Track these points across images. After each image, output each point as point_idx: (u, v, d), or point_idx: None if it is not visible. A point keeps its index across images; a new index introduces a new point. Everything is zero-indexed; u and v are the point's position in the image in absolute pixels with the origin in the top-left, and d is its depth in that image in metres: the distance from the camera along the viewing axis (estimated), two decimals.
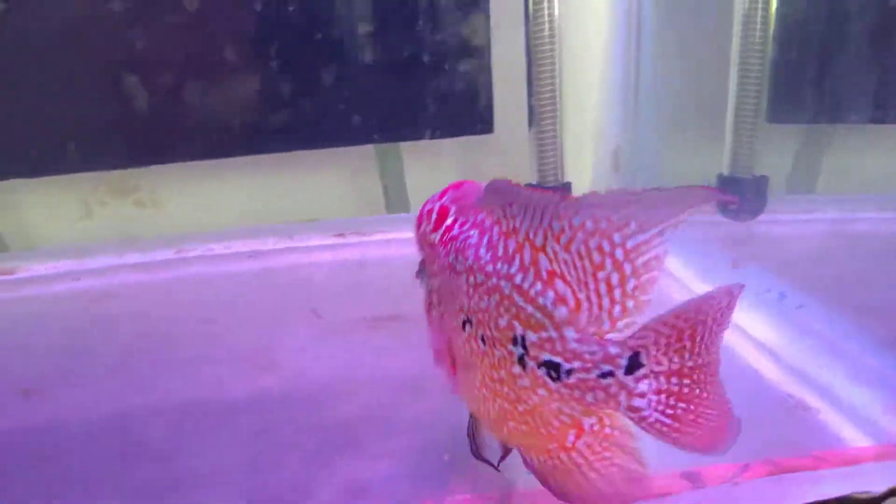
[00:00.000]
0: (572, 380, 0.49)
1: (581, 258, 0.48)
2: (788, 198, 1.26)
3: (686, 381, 0.49)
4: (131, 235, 1.30)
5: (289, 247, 1.30)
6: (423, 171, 1.44)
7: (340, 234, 1.34)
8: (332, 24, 1.29)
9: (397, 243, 1.32)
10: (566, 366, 0.49)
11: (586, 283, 0.48)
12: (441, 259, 0.59)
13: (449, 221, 0.60)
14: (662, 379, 0.48)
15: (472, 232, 0.56)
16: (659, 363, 0.48)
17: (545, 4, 1.25)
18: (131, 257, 1.25)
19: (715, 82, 1.26)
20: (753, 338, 0.87)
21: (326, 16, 1.29)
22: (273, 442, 0.73)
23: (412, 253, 1.37)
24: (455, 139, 1.40)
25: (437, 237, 0.61)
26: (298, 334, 0.97)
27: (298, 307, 1.05)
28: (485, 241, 0.53)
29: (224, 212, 1.36)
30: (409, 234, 1.39)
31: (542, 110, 1.30)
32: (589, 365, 0.48)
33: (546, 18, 1.26)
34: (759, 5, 1.15)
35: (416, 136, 1.39)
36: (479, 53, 1.35)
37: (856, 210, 1.16)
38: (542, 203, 0.49)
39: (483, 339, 0.53)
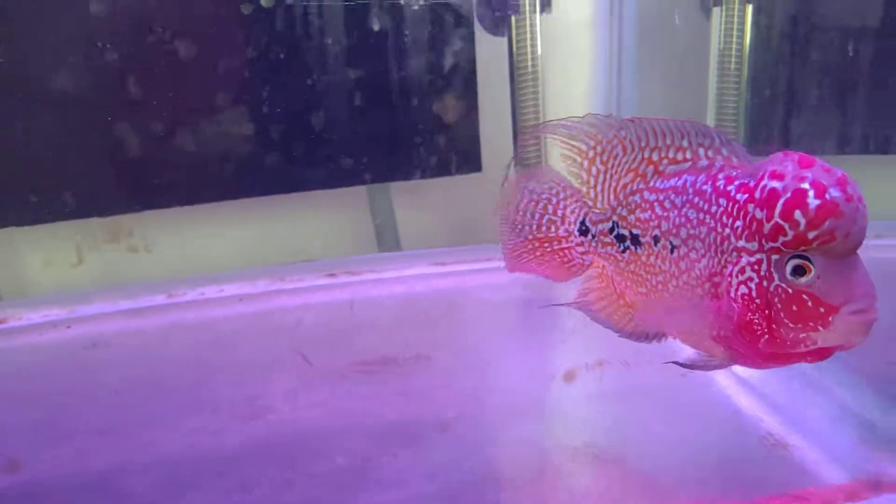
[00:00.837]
0: None
1: None
2: None
3: None
4: (124, 280, 1.31)
5: (280, 289, 1.31)
6: (413, 210, 1.46)
7: (332, 274, 1.36)
8: (322, 71, 1.32)
9: (387, 282, 1.33)
10: None
11: None
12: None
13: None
14: None
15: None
16: None
17: (528, 47, 1.28)
18: (123, 304, 1.25)
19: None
20: (735, 372, 0.89)
21: (318, 62, 1.31)
22: (260, 495, 0.74)
23: (401, 291, 1.38)
24: (444, 178, 1.42)
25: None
26: (287, 381, 0.97)
27: (288, 352, 1.06)
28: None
29: (217, 255, 1.37)
30: (399, 272, 1.41)
31: (526, 151, 1.32)
32: None
33: (529, 61, 1.29)
34: (734, 50, 1.19)
35: (407, 176, 1.42)
36: (466, 97, 1.38)
37: None
38: None
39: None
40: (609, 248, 0.68)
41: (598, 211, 0.69)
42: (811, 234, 0.53)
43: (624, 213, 0.67)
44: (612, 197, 0.67)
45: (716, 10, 1.24)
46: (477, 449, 0.79)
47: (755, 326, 0.56)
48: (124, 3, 1.19)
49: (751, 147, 1.26)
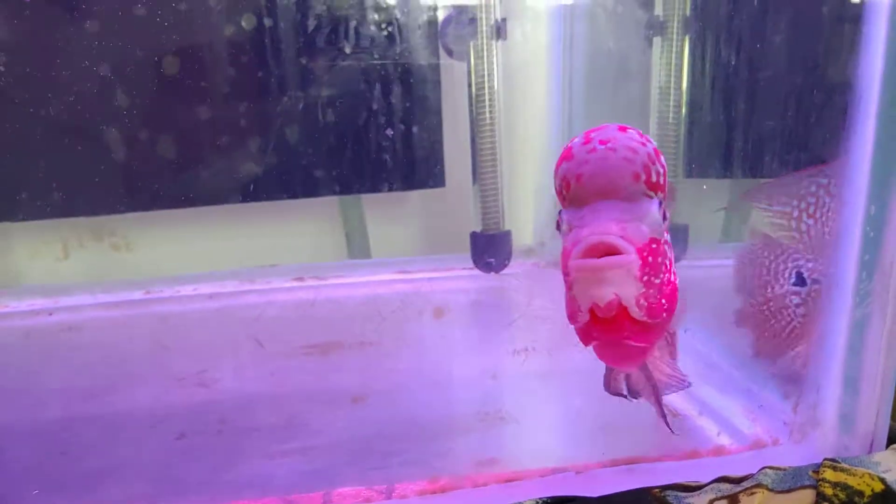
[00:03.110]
0: None
1: None
2: (703, 245, 1.36)
3: None
4: (106, 276, 1.40)
5: (248, 289, 1.40)
6: (383, 219, 1.56)
7: (299, 278, 1.45)
8: (298, 90, 1.44)
9: (351, 286, 1.42)
10: None
11: None
12: None
13: None
14: None
15: None
16: None
17: (485, 72, 1.39)
18: (102, 297, 1.35)
19: None
20: None
21: (294, 82, 1.43)
22: (191, 442, 0.81)
23: (362, 293, 1.46)
24: (413, 192, 1.53)
25: None
26: (238, 360, 1.06)
27: (243, 338, 1.14)
28: None
29: (193, 257, 1.47)
30: (364, 277, 1.49)
31: (483, 168, 1.42)
32: None
33: (486, 85, 1.40)
34: (672, 78, 1.29)
35: (376, 189, 1.52)
36: (432, 117, 1.49)
37: None
38: None
39: None
40: None
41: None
42: (556, 183, 0.52)
43: None
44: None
45: (656, 40, 1.35)
46: (397, 411, 0.87)
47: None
48: (114, 18, 1.32)
49: (688, 169, 1.36)
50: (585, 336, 0.54)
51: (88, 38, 1.30)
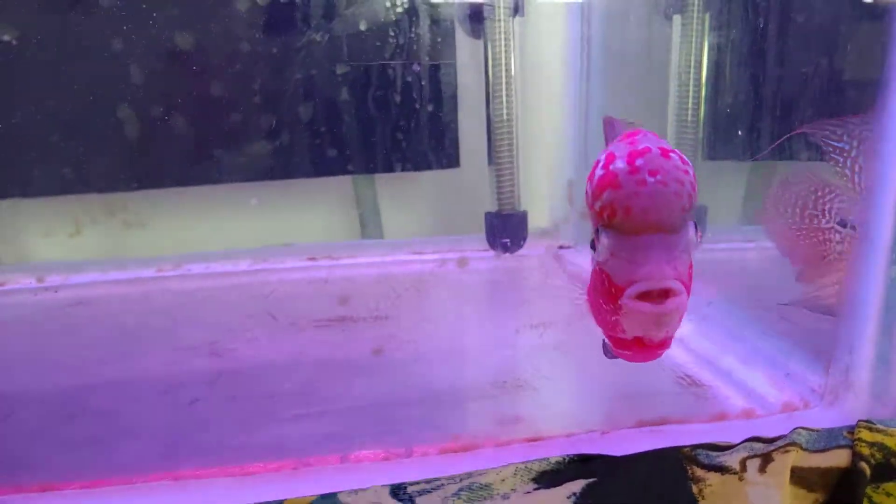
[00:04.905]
0: None
1: None
2: (725, 227, 1.34)
3: None
4: (119, 253, 1.39)
5: (262, 268, 1.39)
6: (396, 200, 1.54)
7: (312, 258, 1.43)
8: (313, 68, 1.42)
9: (363, 266, 1.41)
10: None
11: None
12: None
13: None
14: None
15: None
16: None
17: (502, 50, 1.37)
18: (114, 273, 1.34)
19: (657, 127, 1.36)
20: None
21: (309, 59, 1.41)
22: (205, 408, 0.80)
23: (375, 272, 1.44)
24: (426, 172, 1.51)
25: None
26: (251, 332, 1.04)
27: (257, 312, 1.12)
28: None
29: (206, 235, 1.46)
30: (377, 258, 1.48)
31: (499, 148, 1.40)
32: None
33: (503, 63, 1.38)
34: (693, 55, 1.27)
35: (389, 169, 1.50)
36: (447, 97, 1.47)
37: None
38: None
39: None
40: None
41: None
42: (596, 205, 0.51)
43: None
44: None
45: (676, 17, 1.33)
46: (413, 379, 0.85)
47: (592, 303, 0.56)
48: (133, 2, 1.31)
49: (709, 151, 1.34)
50: (619, 349, 0.57)
51: (100, 15, 1.30)
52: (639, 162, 0.50)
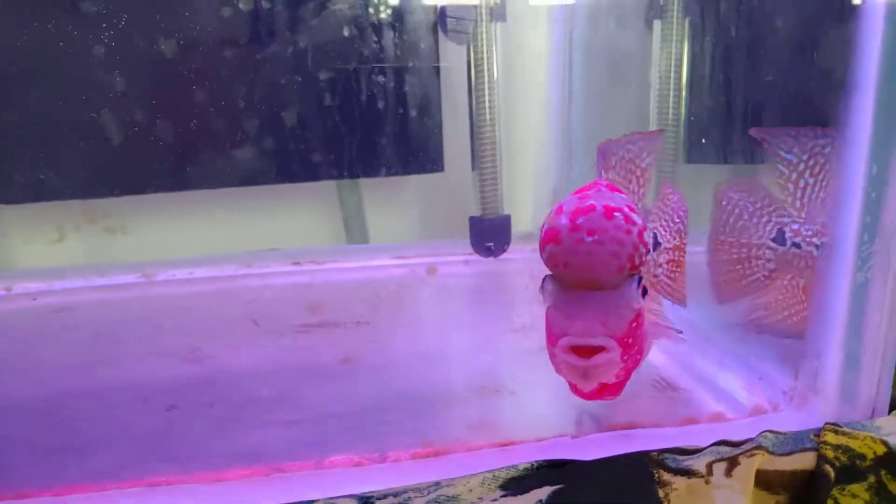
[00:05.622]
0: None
1: None
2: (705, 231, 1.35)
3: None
4: (101, 259, 1.39)
5: (246, 273, 1.39)
6: (382, 205, 1.55)
7: (296, 263, 1.44)
8: (296, 73, 1.42)
9: (349, 270, 1.41)
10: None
11: None
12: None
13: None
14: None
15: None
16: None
17: (484, 55, 1.38)
18: (97, 280, 1.34)
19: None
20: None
21: (293, 64, 1.42)
22: (182, 415, 0.80)
23: (359, 277, 1.45)
24: (411, 176, 1.51)
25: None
26: (233, 337, 1.05)
27: (240, 318, 1.13)
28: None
29: (190, 241, 1.46)
30: (361, 262, 1.48)
31: (482, 154, 1.41)
32: None
33: (485, 68, 1.39)
34: (672, 61, 1.28)
35: (374, 174, 1.51)
36: (431, 101, 1.48)
37: None
38: None
39: None
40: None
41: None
42: (543, 255, 0.55)
43: None
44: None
45: (656, 23, 1.34)
46: (391, 385, 0.85)
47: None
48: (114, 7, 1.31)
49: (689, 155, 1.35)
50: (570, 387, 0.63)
51: (81, 20, 1.30)
52: (580, 220, 0.53)
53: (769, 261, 0.70)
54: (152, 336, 1.07)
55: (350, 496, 0.55)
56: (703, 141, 1.26)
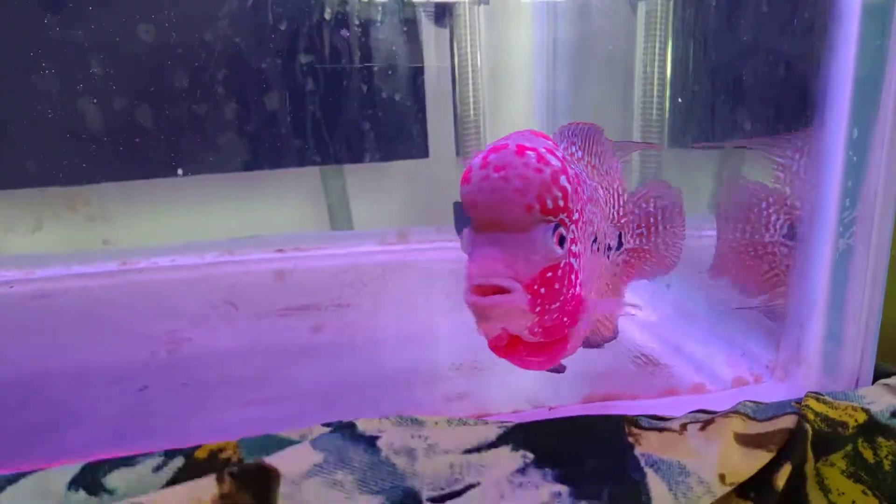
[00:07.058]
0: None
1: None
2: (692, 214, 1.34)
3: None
4: (81, 247, 1.37)
5: (227, 260, 1.37)
6: (365, 191, 1.53)
7: (280, 249, 1.42)
8: (279, 58, 1.41)
9: (332, 256, 1.40)
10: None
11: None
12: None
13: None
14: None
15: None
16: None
17: (468, 39, 1.37)
18: (77, 267, 1.32)
19: (621, 117, 1.36)
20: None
21: (275, 49, 1.40)
22: (154, 395, 0.78)
23: (344, 262, 1.43)
24: (395, 163, 1.50)
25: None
26: (210, 321, 1.03)
27: (218, 303, 1.11)
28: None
29: (172, 228, 1.44)
30: (345, 249, 1.46)
31: (466, 139, 1.40)
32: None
33: (468, 51, 1.37)
34: (657, 43, 1.27)
35: (358, 159, 1.49)
36: (415, 87, 1.46)
37: None
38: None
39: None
40: None
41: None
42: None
43: None
44: None
45: (641, 5, 1.32)
46: (371, 364, 0.84)
47: None
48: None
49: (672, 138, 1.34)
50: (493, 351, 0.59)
51: (62, 8, 1.28)
52: (490, 157, 0.50)
53: (785, 256, 0.70)
54: (129, 321, 1.05)
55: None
56: (700, 121, 1.25)
